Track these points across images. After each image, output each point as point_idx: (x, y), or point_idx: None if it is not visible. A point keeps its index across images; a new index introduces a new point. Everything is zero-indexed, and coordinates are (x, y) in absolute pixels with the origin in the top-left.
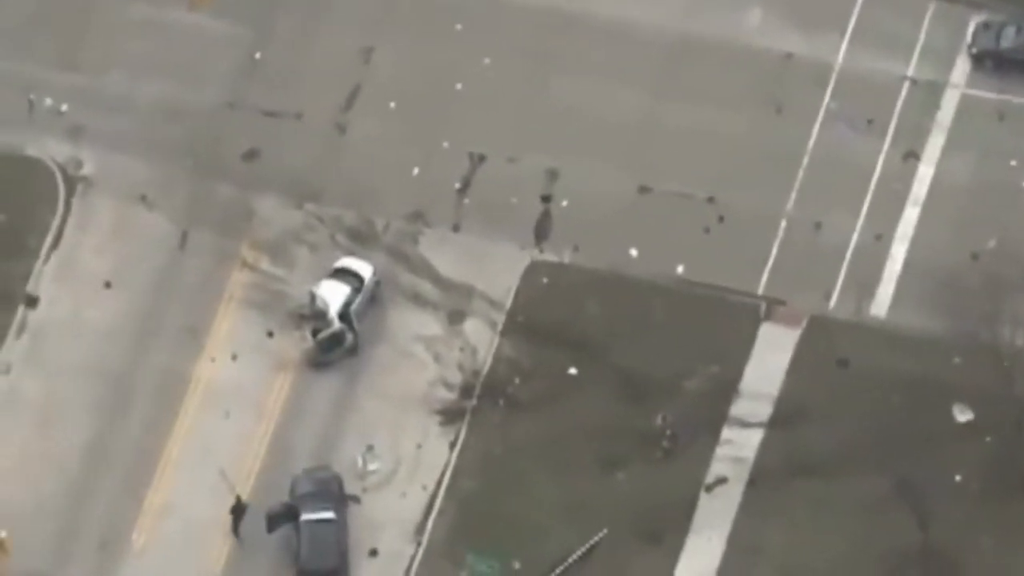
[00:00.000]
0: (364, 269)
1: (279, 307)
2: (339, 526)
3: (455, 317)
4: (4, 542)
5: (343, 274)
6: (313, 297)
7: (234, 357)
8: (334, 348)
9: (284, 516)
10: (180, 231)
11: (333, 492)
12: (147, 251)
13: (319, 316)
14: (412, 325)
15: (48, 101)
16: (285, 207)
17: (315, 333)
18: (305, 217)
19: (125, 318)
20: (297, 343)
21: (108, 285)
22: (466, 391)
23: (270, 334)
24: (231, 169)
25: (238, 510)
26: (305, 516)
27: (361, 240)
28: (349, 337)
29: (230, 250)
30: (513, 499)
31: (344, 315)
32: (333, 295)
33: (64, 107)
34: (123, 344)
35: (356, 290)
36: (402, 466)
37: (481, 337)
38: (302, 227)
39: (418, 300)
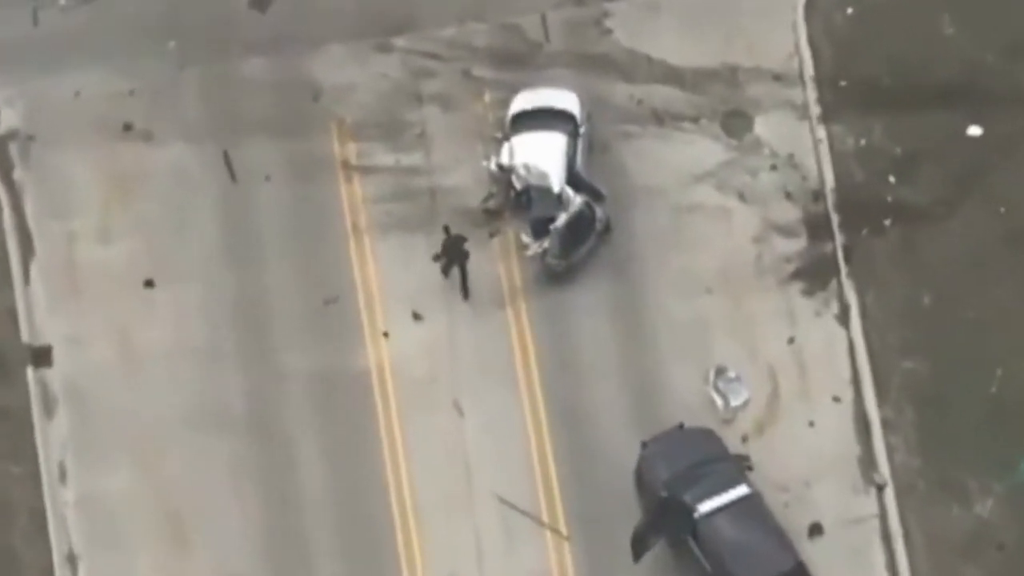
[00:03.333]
0: (566, 100)
1: (444, 213)
2: (760, 502)
3: (733, 122)
4: None
5: (535, 120)
6: (508, 172)
7: (417, 317)
8: (583, 235)
9: (662, 524)
10: (216, 154)
11: (718, 456)
12: (182, 207)
13: (535, 197)
14: (675, 160)
15: None
16: (364, 56)
17: (538, 226)
18: (405, 59)
19: (209, 325)
20: (509, 253)
21: (150, 284)
22: (817, 228)
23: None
24: (244, 29)
25: None
26: (704, 506)
27: (516, 61)
28: (598, 210)
29: (313, 155)
30: (988, 348)
31: (573, 179)
32: (542, 156)
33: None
34: (228, 368)
35: (571, 135)
36: (782, 380)
37: (793, 137)
38: (411, 76)
39: (659, 119)
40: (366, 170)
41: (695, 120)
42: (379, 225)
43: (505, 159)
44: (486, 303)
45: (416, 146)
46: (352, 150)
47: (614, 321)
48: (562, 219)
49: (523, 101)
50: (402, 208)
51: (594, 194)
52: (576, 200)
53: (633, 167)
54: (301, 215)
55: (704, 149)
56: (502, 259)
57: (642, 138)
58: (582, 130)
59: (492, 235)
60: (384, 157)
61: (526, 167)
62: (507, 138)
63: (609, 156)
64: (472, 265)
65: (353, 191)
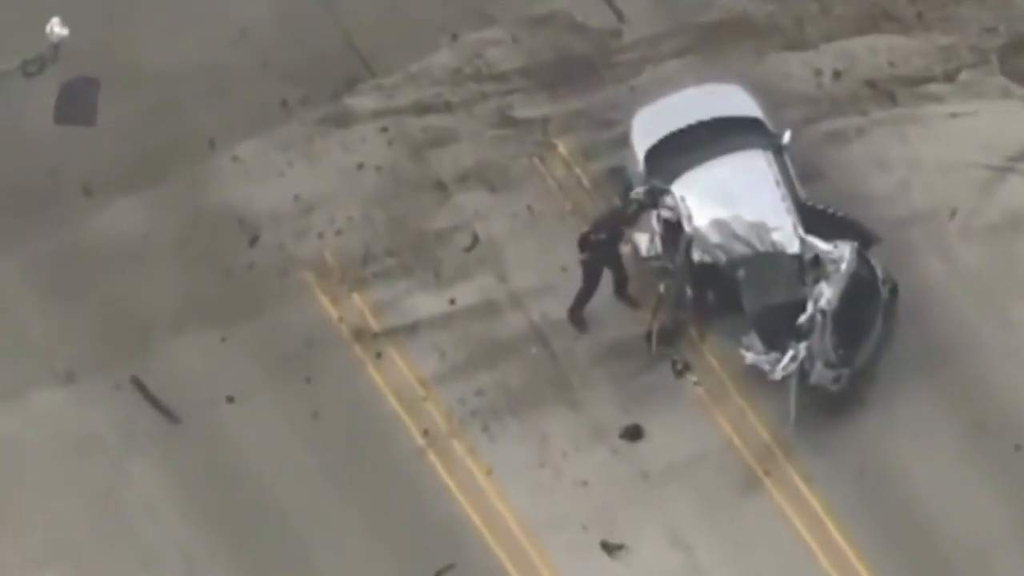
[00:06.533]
0: (731, 96)
1: (574, 365)
2: None
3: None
4: None
5: (695, 145)
6: (683, 249)
7: (611, 548)
8: (868, 315)
9: None
10: (119, 386)
11: None
12: (107, 494)
13: (747, 276)
14: (947, 153)
15: None
16: (309, 142)
17: (769, 324)
18: (389, 127)
19: None
20: (726, 393)
21: None
22: None
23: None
24: (73, 161)
25: None
26: None
27: (583, 71)
28: (876, 265)
29: (295, 335)
30: None
31: (809, 221)
32: (744, 198)
33: None
34: None
35: (772, 150)
36: None
37: None
38: (410, 153)
39: (886, 93)
40: (405, 333)
41: (951, 77)
42: (469, 417)
43: (694, 224)
44: (730, 487)
45: (475, 266)
46: (362, 307)
47: (976, 453)
48: (827, 295)
49: (655, 121)
50: (497, 378)
51: (860, 235)
52: (846, 254)
53: (878, 187)
54: (321, 447)
55: (993, 121)
56: (716, 405)
57: (871, 134)
58: (785, 137)
59: (681, 372)
60: (426, 302)
61: (721, 226)
62: (658, 192)
63: (826, 180)
64: (671, 435)
65: (396, 375)
